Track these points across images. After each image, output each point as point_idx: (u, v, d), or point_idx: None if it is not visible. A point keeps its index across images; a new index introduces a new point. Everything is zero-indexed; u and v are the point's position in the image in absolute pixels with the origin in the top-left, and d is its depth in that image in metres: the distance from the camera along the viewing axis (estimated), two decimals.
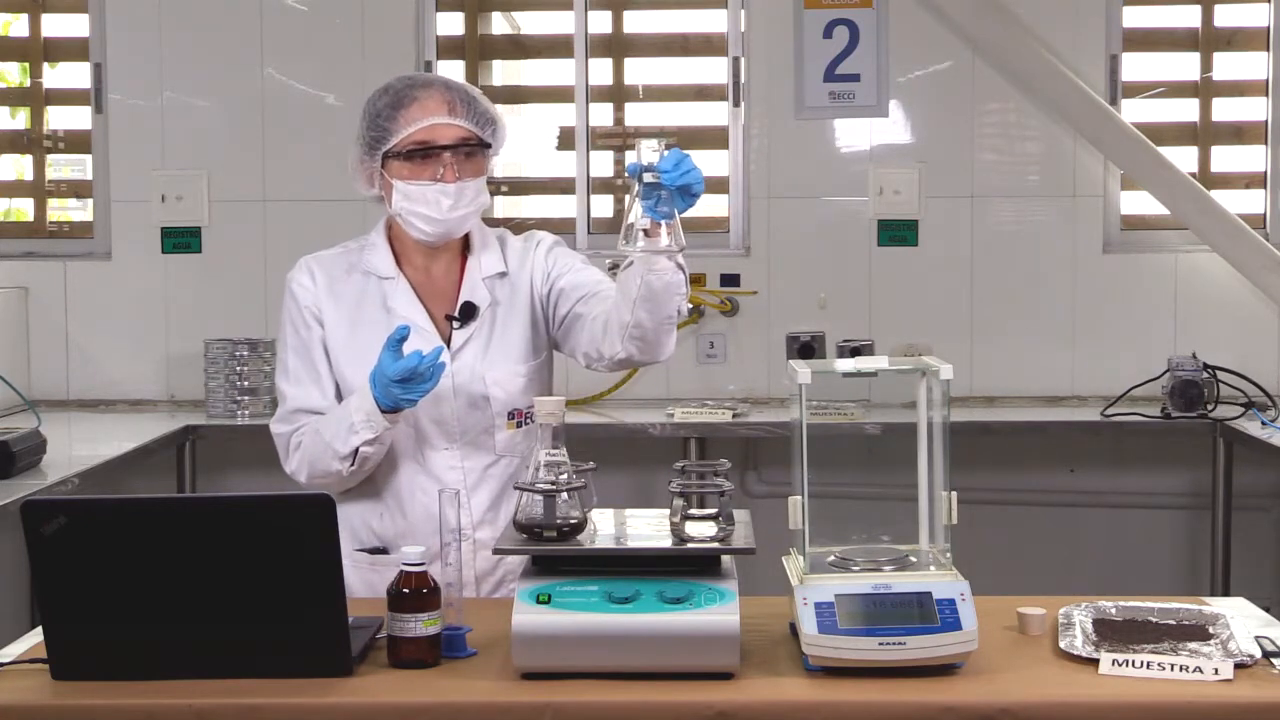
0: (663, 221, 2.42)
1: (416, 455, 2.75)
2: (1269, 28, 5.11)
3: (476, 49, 5.25)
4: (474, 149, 2.71)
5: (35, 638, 2.32)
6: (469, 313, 2.77)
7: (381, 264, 2.79)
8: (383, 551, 2.77)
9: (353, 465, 2.65)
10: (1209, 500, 4.75)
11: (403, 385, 2.55)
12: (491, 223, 2.95)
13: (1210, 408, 4.63)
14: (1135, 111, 5.08)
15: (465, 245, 2.83)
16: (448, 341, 2.76)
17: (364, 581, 2.70)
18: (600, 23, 5.20)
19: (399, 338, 2.56)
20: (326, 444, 2.65)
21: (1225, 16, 5.13)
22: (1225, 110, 5.14)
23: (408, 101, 2.70)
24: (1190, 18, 5.14)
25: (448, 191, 2.68)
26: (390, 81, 2.76)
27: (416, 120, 2.68)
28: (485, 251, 2.82)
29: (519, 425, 2.78)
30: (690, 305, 5.06)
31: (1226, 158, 5.16)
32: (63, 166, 5.64)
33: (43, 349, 5.13)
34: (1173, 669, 2.13)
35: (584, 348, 2.75)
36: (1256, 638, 2.25)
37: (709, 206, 5.46)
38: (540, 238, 2.88)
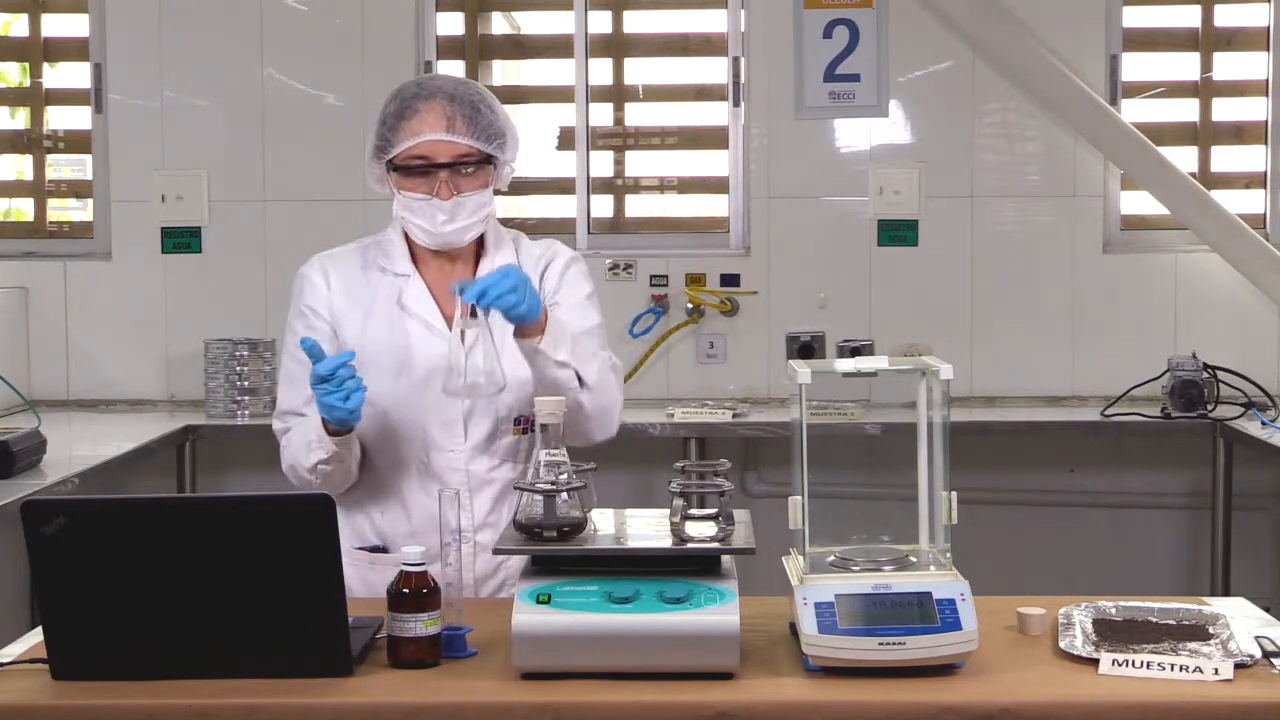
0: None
1: (422, 456, 2.75)
2: (1269, 28, 5.11)
3: (476, 49, 5.25)
4: (476, 163, 2.69)
5: (35, 638, 2.32)
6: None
7: (398, 261, 2.79)
8: (382, 550, 2.77)
9: (317, 480, 2.68)
10: (1209, 500, 4.75)
11: (319, 387, 2.54)
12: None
13: (1210, 408, 4.63)
14: (1135, 111, 5.08)
15: (480, 244, 2.82)
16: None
17: (363, 580, 2.70)
18: (600, 23, 5.20)
19: (308, 346, 2.55)
20: (295, 456, 2.70)
21: (1225, 16, 5.13)
22: (1225, 110, 5.14)
23: (410, 113, 2.67)
24: (1190, 18, 5.14)
25: (443, 208, 2.67)
26: (405, 84, 2.75)
27: (416, 133, 2.66)
28: (499, 253, 2.81)
29: (525, 431, 2.77)
30: (691, 305, 5.09)
31: (1226, 158, 5.16)
32: (63, 166, 5.64)
33: (43, 349, 5.13)
34: (1173, 669, 2.13)
35: None
36: (1256, 638, 2.25)
37: (709, 206, 5.47)
38: (558, 251, 2.86)
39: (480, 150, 2.68)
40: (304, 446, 2.67)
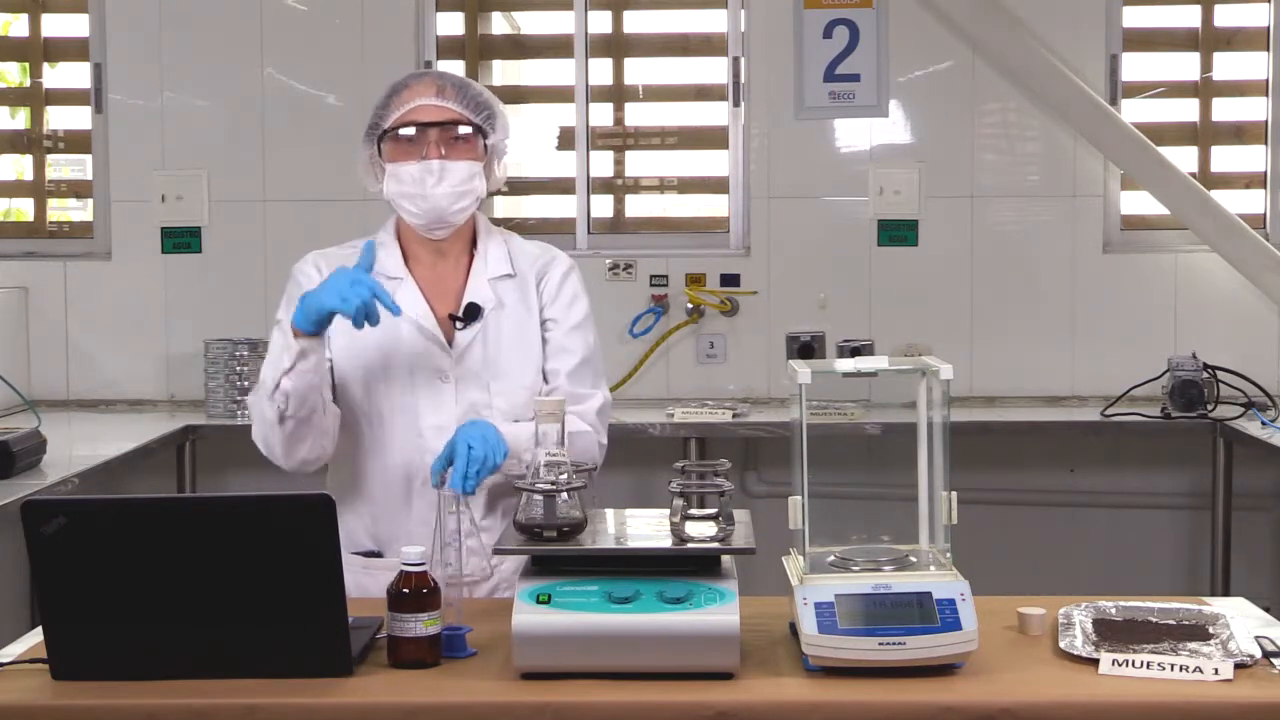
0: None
1: (415, 459, 2.74)
2: (1269, 28, 5.11)
3: (476, 49, 5.25)
4: (465, 133, 2.72)
5: (35, 638, 2.32)
6: (473, 313, 2.76)
7: (389, 263, 2.79)
8: (377, 555, 2.76)
9: (280, 405, 2.58)
10: (1209, 500, 4.75)
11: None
12: (494, 223, 2.94)
13: (1210, 408, 4.63)
14: (1135, 111, 5.08)
15: (473, 245, 2.82)
16: (450, 341, 2.76)
17: (357, 585, 2.67)
18: (600, 23, 5.20)
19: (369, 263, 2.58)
20: (260, 394, 2.64)
21: (1225, 16, 5.13)
22: (1225, 110, 5.14)
23: (401, 89, 2.75)
24: (1190, 18, 5.14)
25: (431, 169, 2.69)
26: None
27: (406, 103, 2.72)
28: (491, 252, 2.82)
29: None
30: (691, 305, 5.09)
31: (1226, 158, 5.16)
32: (63, 166, 5.64)
33: (43, 349, 5.13)
34: (1173, 669, 2.13)
35: None
36: (1256, 638, 2.25)
37: (709, 206, 5.47)
38: (555, 256, 2.86)
39: (469, 119, 2.72)
40: (271, 368, 2.60)
